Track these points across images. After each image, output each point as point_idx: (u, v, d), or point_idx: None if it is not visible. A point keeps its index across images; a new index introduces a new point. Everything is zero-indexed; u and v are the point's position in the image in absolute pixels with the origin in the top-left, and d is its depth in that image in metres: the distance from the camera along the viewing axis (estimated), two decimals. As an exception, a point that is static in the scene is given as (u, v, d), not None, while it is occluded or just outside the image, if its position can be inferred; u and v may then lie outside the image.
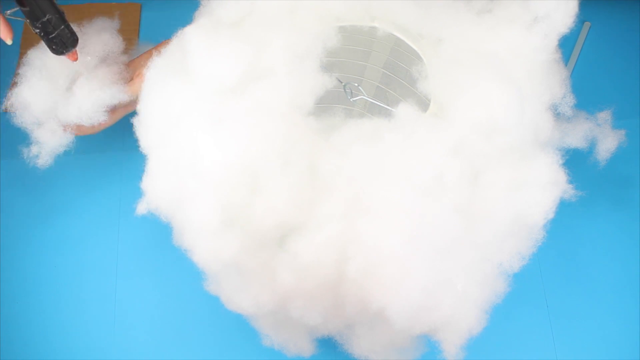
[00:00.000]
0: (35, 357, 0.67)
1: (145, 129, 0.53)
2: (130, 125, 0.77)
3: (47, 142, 0.66)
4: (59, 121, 0.66)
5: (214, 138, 0.46)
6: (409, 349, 0.52)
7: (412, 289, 0.42)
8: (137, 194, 0.74)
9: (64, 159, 0.76)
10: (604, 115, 0.55)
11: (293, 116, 0.47)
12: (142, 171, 0.74)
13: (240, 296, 0.49)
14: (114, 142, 0.78)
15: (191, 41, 0.49)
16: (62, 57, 0.60)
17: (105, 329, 0.68)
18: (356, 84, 0.53)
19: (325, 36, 0.49)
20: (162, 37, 0.83)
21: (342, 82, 0.52)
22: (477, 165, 0.45)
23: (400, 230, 0.42)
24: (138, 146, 0.75)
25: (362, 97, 0.54)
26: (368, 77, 0.64)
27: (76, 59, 0.61)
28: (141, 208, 0.52)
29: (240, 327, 0.67)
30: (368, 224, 0.43)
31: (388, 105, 0.51)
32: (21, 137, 0.77)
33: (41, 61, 0.63)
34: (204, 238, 0.46)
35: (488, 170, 0.45)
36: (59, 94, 0.64)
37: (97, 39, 0.65)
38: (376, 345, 0.51)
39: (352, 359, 0.60)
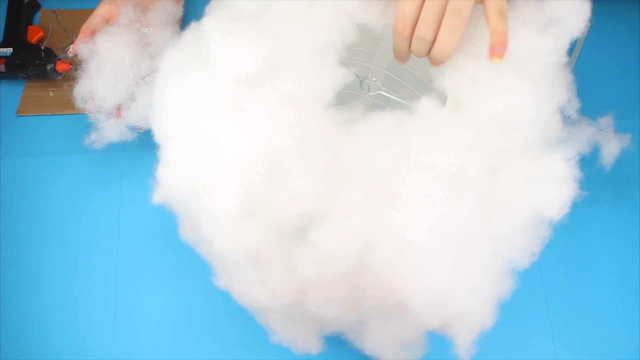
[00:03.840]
0: (35, 357, 0.66)
1: (161, 119, 0.52)
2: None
3: (107, 131, 0.69)
4: (116, 113, 0.68)
5: (237, 126, 0.46)
6: (417, 346, 0.52)
7: (435, 280, 0.43)
8: (137, 194, 0.75)
9: (64, 158, 0.77)
10: (606, 120, 0.57)
11: (314, 107, 0.47)
12: (142, 171, 0.75)
13: (255, 289, 0.48)
14: (114, 142, 0.78)
15: (210, 32, 0.50)
16: (132, 51, 0.65)
17: (105, 329, 0.67)
18: (374, 79, 0.55)
19: (344, 31, 0.51)
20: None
21: (359, 77, 0.54)
22: (495, 160, 0.46)
23: (424, 220, 0.43)
24: (138, 146, 0.77)
25: (378, 92, 0.55)
26: (383, 71, 0.65)
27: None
28: (157, 197, 0.51)
29: (242, 325, 0.67)
30: (392, 214, 0.43)
31: (406, 101, 0.52)
32: (22, 137, 0.78)
33: (110, 52, 0.66)
34: (225, 227, 0.45)
35: (506, 164, 0.46)
36: (126, 88, 0.67)
37: (160, 35, 0.68)
38: (388, 340, 0.51)
39: (357, 358, 0.60)
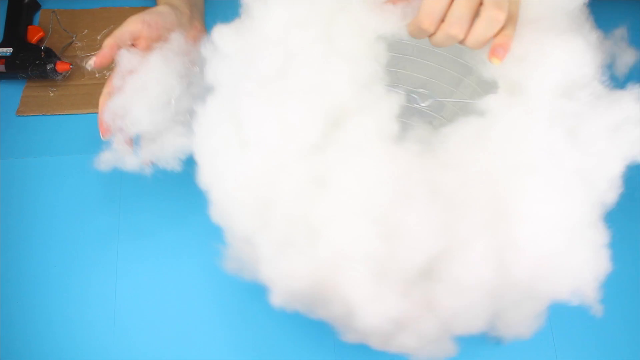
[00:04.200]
0: (35, 357, 0.66)
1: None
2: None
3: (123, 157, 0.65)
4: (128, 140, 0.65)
5: (330, 193, 0.44)
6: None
7: (574, 267, 0.45)
8: (137, 194, 0.75)
9: (64, 158, 0.77)
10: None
11: (390, 148, 0.46)
12: (143, 171, 0.76)
13: (405, 338, 0.48)
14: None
15: (248, 109, 0.48)
16: (180, 84, 0.62)
17: (105, 329, 0.67)
18: (420, 90, 0.54)
19: (377, 54, 0.49)
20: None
21: (407, 93, 0.52)
22: (573, 126, 0.46)
23: (551, 221, 0.43)
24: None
25: (432, 99, 0.54)
26: (420, 77, 0.64)
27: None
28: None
29: (242, 324, 0.67)
30: (519, 225, 0.43)
31: (467, 99, 0.51)
32: (22, 137, 0.78)
33: (161, 77, 0.62)
34: (366, 303, 0.44)
35: (584, 127, 0.46)
36: (163, 120, 0.63)
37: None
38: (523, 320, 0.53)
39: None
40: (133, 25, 0.64)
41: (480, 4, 0.45)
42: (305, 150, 0.46)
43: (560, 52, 0.46)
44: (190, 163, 0.75)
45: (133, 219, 0.73)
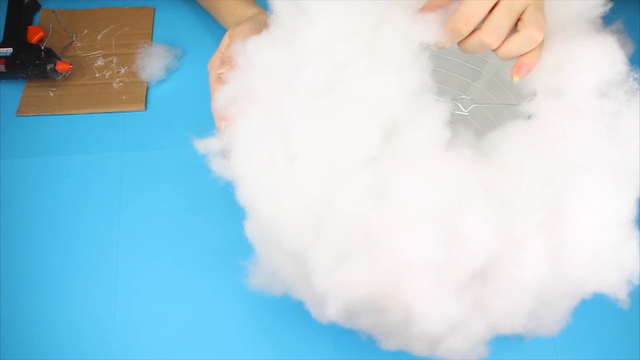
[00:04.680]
0: (36, 357, 0.66)
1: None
2: (130, 126, 0.79)
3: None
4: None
5: (394, 202, 0.44)
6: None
7: (627, 260, 0.46)
8: (137, 194, 0.75)
9: (64, 158, 0.77)
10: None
11: (445, 155, 0.46)
12: (142, 171, 0.76)
13: (456, 341, 0.49)
14: (114, 142, 0.79)
15: (296, 124, 0.47)
16: None
17: (105, 329, 0.67)
18: (463, 96, 0.54)
19: (423, 65, 0.48)
20: (175, 40, 0.85)
21: (453, 101, 0.52)
22: (612, 124, 0.46)
23: (607, 216, 0.44)
24: (138, 146, 0.77)
25: (474, 105, 0.54)
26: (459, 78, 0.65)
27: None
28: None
29: (242, 324, 0.67)
30: (574, 222, 0.44)
31: (511, 103, 0.52)
32: (22, 137, 0.78)
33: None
34: (429, 306, 0.45)
35: (623, 124, 0.47)
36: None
37: None
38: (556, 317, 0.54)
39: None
40: (250, 32, 0.62)
41: (519, 18, 0.46)
42: (362, 161, 0.46)
43: (592, 54, 0.47)
44: (190, 164, 0.76)
45: (133, 219, 0.73)
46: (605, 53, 0.47)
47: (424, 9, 0.49)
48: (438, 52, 0.62)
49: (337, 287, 0.46)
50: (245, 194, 0.51)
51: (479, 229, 0.44)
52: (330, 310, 0.47)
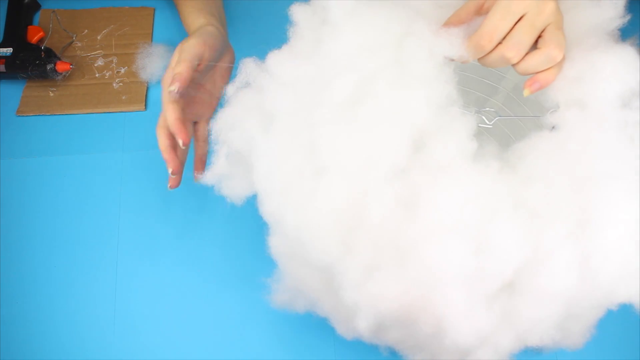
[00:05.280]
0: (36, 357, 0.66)
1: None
2: (130, 126, 0.79)
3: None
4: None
5: (419, 212, 0.45)
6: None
7: None
8: (137, 194, 0.75)
9: (64, 158, 0.77)
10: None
11: (473, 166, 0.46)
12: (142, 171, 0.76)
13: (479, 352, 0.49)
14: (114, 142, 0.79)
15: (324, 138, 0.48)
16: None
17: (105, 328, 0.67)
18: (487, 108, 0.55)
19: (448, 76, 0.49)
20: (175, 40, 0.85)
21: (477, 112, 0.53)
22: (635, 134, 0.47)
23: (635, 228, 0.44)
24: (138, 146, 0.77)
25: (498, 117, 0.55)
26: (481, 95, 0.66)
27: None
28: None
29: (242, 324, 0.67)
30: (603, 232, 0.44)
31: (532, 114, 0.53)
32: (22, 137, 0.78)
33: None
34: (461, 318, 0.45)
35: None
36: None
37: None
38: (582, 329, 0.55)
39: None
40: (198, 47, 0.63)
41: (540, 36, 0.47)
42: (391, 173, 0.46)
43: (612, 65, 0.47)
44: (187, 166, 0.76)
45: (133, 219, 0.73)
46: (626, 63, 0.48)
47: (447, 23, 0.50)
48: (457, 67, 0.63)
49: (368, 300, 0.46)
50: (271, 209, 0.50)
51: (509, 239, 0.44)
52: (361, 324, 0.48)
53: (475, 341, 0.46)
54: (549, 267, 0.45)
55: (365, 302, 0.46)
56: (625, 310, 0.55)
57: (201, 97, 0.67)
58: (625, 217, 0.45)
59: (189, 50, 0.62)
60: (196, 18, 0.71)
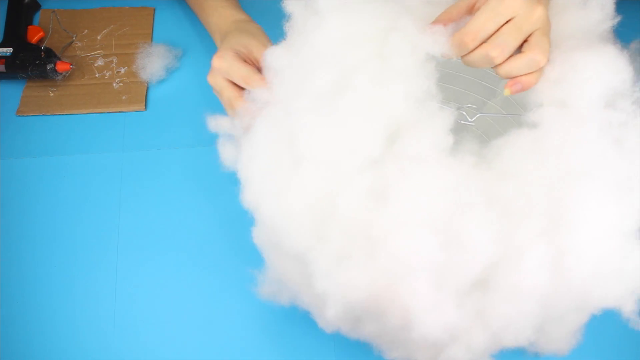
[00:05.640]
0: (36, 357, 0.66)
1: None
2: (130, 126, 0.79)
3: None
4: None
5: (390, 203, 0.45)
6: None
7: (631, 271, 0.46)
8: (137, 194, 0.75)
9: (64, 158, 0.77)
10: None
11: (446, 160, 0.46)
12: (142, 171, 0.76)
13: (452, 350, 0.48)
14: (114, 142, 0.79)
15: (302, 127, 0.48)
16: None
17: (105, 329, 0.67)
18: (468, 105, 0.55)
19: (429, 72, 0.49)
20: (175, 40, 0.85)
21: (458, 109, 0.53)
22: (620, 136, 0.47)
23: (609, 226, 0.44)
24: (138, 146, 0.78)
25: (479, 114, 0.55)
26: (467, 93, 0.66)
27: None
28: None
29: (241, 323, 0.67)
30: (576, 230, 0.44)
31: (515, 113, 0.52)
32: (22, 137, 0.78)
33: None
34: (427, 310, 0.45)
35: (630, 135, 0.47)
36: None
37: None
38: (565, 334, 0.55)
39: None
40: (262, 48, 0.63)
41: (526, 40, 0.47)
42: (364, 164, 0.46)
43: (594, 64, 0.48)
44: (190, 164, 0.76)
45: (133, 219, 0.73)
46: (607, 62, 0.48)
47: (437, 21, 0.50)
48: (452, 70, 0.63)
49: (336, 288, 0.46)
50: (251, 197, 0.51)
51: (480, 234, 0.44)
52: (330, 312, 0.48)
53: (443, 334, 0.46)
54: (521, 264, 0.45)
55: (334, 291, 0.46)
56: (612, 316, 0.56)
57: None
58: (599, 216, 0.45)
59: (264, 35, 0.65)
60: (236, 12, 0.71)
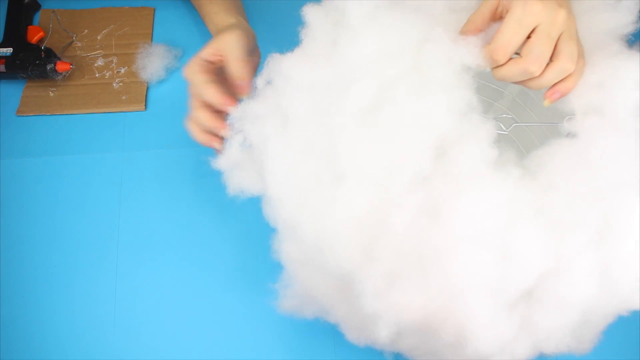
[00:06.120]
0: (35, 357, 0.66)
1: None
2: (130, 126, 0.79)
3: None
4: None
5: (442, 222, 0.45)
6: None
7: None
8: (137, 194, 0.75)
9: (64, 158, 0.77)
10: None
11: (495, 174, 0.46)
12: (142, 171, 0.76)
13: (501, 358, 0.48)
14: (114, 142, 0.79)
15: (345, 144, 0.47)
16: None
17: (105, 329, 0.67)
18: (505, 115, 0.55)
19: (467, 83, 0.49)
20: (175, 40, 0.85)
21: (496, 119, 0.53)
22: None
23: None
24: (138, 146, 0.77)
25: (515, 124, 0.55)
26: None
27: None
28: None
29: (241, 323, 0.67)
30: (624, 240, 0.44)
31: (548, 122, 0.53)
32: (22, 137, 0.78)
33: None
34: (484, 327, 0.45)
35: None
36: None
37: None
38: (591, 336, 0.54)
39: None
40: (244, 40, 0.62)
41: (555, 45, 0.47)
42: (414, 180, 0.46)
43: (634, 72, 0.48)
44: (190, 164, 0.76)
45: (133, 219, 0.73)
46: None
47: (464, 32, 0.50)
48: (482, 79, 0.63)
49: (389, 309, 0.46)
50: (286, 215, 0.50)
51: (531, 247, 0.44)
52: (383, 333, 0.47)
53: (496, 349, 0.46)
54: (569, 275, 0.45)
55: (386, 311, 0.46)
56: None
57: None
58: None
59: (237, 46, 0.61)
60: (226, 17, 0.70)
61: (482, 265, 0.44)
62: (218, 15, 0.71)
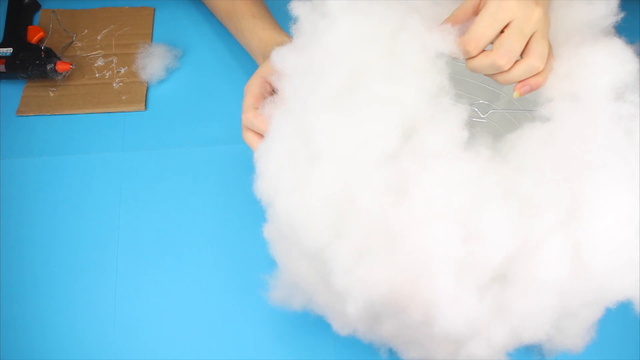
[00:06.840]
0: (35, 357, 0.66)
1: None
2: (130, 126, 0.79)
3: None
4: None
5: (409, 198, 0.45)
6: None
7: None
8: (137, 194, 0.75)
9: (64, 158, 0.77)
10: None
11: (463, 153, 0.47)
12: (142, 171, 0.77)
13: (471, 345, 0.49)
14: (114, 142, 0.79)
15: (318, 124, 0.48)
16: None
17: (105, 329, 0.67)
18: (480, 101, 0.55)
19: (440, 69, 0.50)
20: (175, 40, 0.86)
21: (471, 105, 0.53)
22: (630, 127, 0.47)
23: (629, 215, 0.45)
24: (138, 146, 0.78)
25: (492, 110, 0.56)
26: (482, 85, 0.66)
27: None
28: None
29: (240, 323, 0.67)
30: (594, 220, 0.45)
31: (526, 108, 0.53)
32: (22, 137, 0.78)
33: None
34: (449, 303, 0.45)
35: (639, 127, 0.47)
36: None
37: None
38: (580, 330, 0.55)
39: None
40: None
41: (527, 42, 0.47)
42: (381, 160, 0.47)
43: (602, 57, 0.48)
44: (190, 164, 0.76)
45: (133, 219, 0.73)
46: (615, 55, 0.48)
47: (444, 24, 0.50)
48: (455, 74, 0.63)
49: (357, 285, 0.46)
50: (265, 191, 0.51)
51: (499, 227, 0.44)
52: (351, 309, 0.47)
53: (465, 329, 0.46)
54: (540, 256, 0.45)
55: (354, 287, 0.46)
56: (624, 311, 0.56)
57: None
58: (616, 207, 0.45)
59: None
60: (277, 35, 0.71)
61: (446, 242, 0.44)
62: (266, 31, 0.71)
